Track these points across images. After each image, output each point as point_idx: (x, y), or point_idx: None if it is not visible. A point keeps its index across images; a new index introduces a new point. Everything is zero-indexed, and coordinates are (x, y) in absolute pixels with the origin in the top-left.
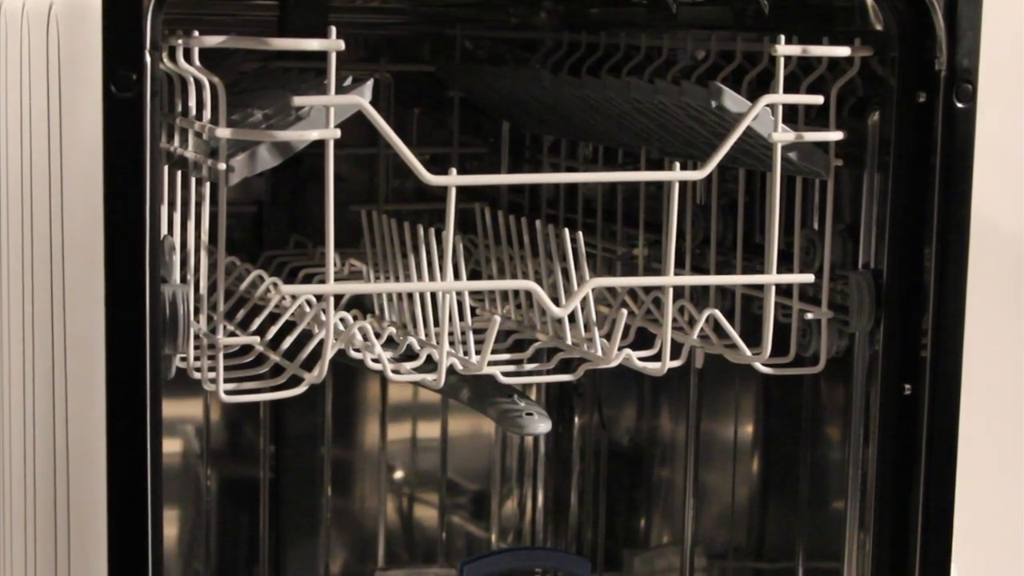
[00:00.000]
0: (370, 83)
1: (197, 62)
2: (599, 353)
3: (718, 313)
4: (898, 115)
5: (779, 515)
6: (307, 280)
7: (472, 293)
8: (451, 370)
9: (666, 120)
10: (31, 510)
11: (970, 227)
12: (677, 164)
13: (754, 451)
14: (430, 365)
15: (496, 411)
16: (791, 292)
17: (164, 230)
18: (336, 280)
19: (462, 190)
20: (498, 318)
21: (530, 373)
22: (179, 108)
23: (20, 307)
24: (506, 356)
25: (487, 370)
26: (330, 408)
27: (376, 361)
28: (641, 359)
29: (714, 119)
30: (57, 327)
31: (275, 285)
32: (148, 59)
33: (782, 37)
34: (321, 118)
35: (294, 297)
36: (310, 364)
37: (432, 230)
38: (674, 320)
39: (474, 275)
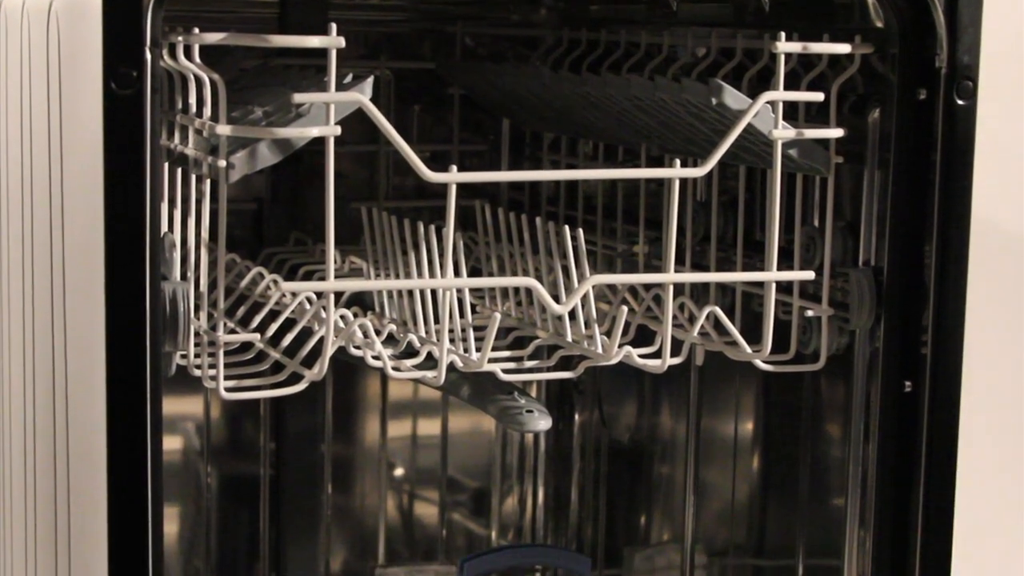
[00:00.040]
0: (370, 80)
1: (197, 59)
2: (599, 350)
3: (718, 310)
4: (898, 112)
5: (779, 512)
6: (307, 277)
7: (472, 290)
8: (451, 367)
9: (666, 117)
10: (31, 507)
11: (970, 224)
12: (677, 161)
13: (754, 448)
14: (430, 362)
15: (496, 408)
16: (791, 289)
17: (164, 227)
18: (336, 277)
19: (462, 187)
20: (498, 315)
21: (530, 370)
22: (179, 105)
23: (20, 304)
24: (506, 353)
25: (487, 367)
26: (330, 405)
27: (376, 358)
28: (641, 356)
29: (714, 116)
30: (57, 324)
31: (275, 282)
32: (148, 56)
33: (782, 34)
34: (321, 115)
35: (294, 294)
36: (310, 361)
37: (432, 227)
38: (674, 317)
39: (474, 272)
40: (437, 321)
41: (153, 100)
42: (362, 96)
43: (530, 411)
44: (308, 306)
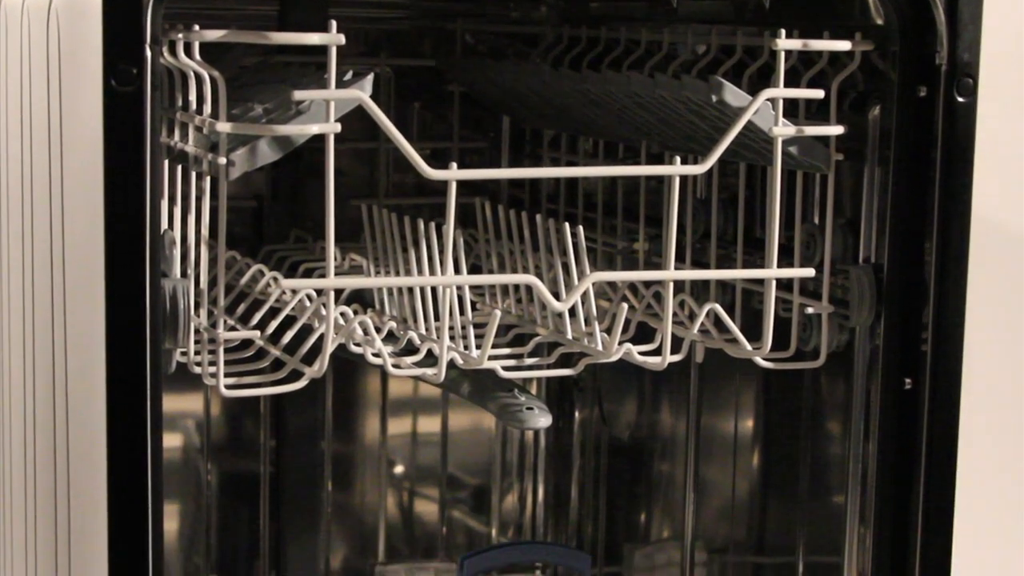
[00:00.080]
0: (370, 77)
1: (197, 56)
2: (599, 347)
3: (718, 307)
4: (899, 109)
5: (779, 510)
6: (307, 275)
7: (472, 287)
8: (451, 364)
9: (666, 114)
10: (31, 503)
11: (971, 221)
12: (678, 158)
13: (754, 446)
14: (431, 359)
15: (496, 405)
16: (791, 286)
17: (164, 224)
18: (336, 274)
19: (462, 184)
20: (498, 312)
21: (530, 367)
22: (179, 102)
23: (20, 301)
24: (506, 350)
25: (487, 364)
26: (330, 402)
27: (376, 355)
28: (641, 353)
29: (714, 113)
30: (57, 322)
31: (275, 279)
32: (148, 53)
33: (783, 31)
34: (321, 112)
35: (294, 291)
36: (310, 358)
37: (432, 224)
38: (674, 314)
39: (474, 269)
40: (437, 318)
41: (153, 97)
42: (362, 93)
43: (530, 408)
44: (308, 303)
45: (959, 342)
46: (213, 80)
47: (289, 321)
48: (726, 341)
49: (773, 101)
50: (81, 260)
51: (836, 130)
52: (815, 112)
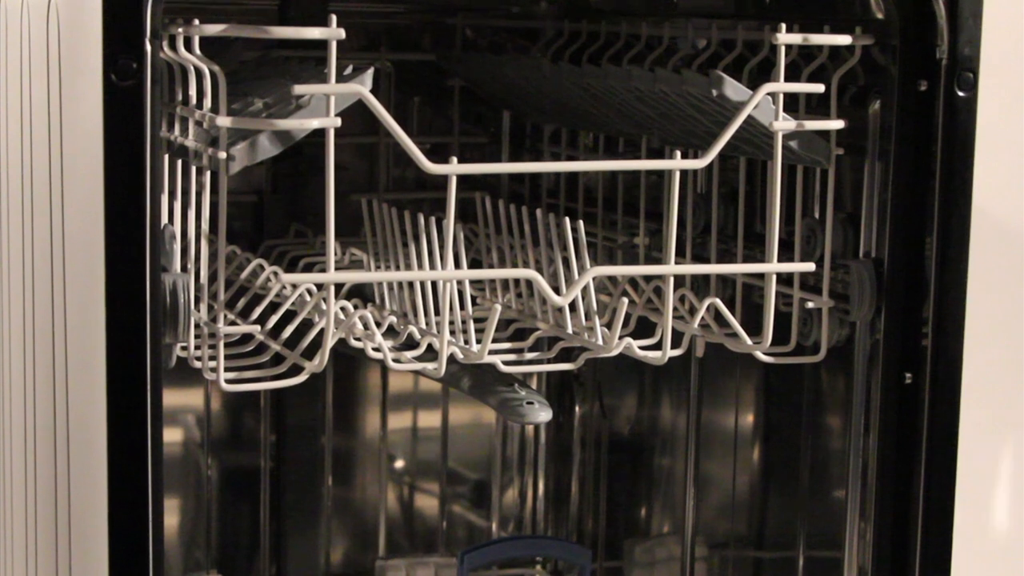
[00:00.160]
0: (371, 72)
1: (197, 51)
2: (600, 342)
3: (719, 302)
4: (899, 103)
5: (780, 504)
6: (308, 269)
7: (473, 282)
8: (452, 359)
9: (667, 109)
10: (32, 498)
11: (971, 215)
12: (678, 153)
13: (755, 440)
14: (431, 354)
15: (497, 400)
16: (792, 281)
17: (164, 219)
18: (337, 269)
19: (462, 179)
20: (499, 307)
21: (531, 362)
22: (179, 97)
23: (20, 296)
24: (507, 345)
25: (488, 359)
26: (331, 397)
27: (377, 350)
28: (642, 348)
29: (715, 108)
30: (57, 316)
31: (276, 274)
32: (148, 48)
33: (783, 26)
34: (322, 107)
35: (295, 286)
36: (311, 353)
37: (432, 219)
38: (675, 309)
39: (475, 264)
40: (437, 313)
41: (153, 92)
42: (362, 88)
43: (530, 403)
44: (308, 298)
45: (959, 337)
46: (213, 75)
47: (289, 316)
48: (726, 335)
49: (773, 95)
50: (81, 254)
51: (836, 124)
52: (815, 107)
